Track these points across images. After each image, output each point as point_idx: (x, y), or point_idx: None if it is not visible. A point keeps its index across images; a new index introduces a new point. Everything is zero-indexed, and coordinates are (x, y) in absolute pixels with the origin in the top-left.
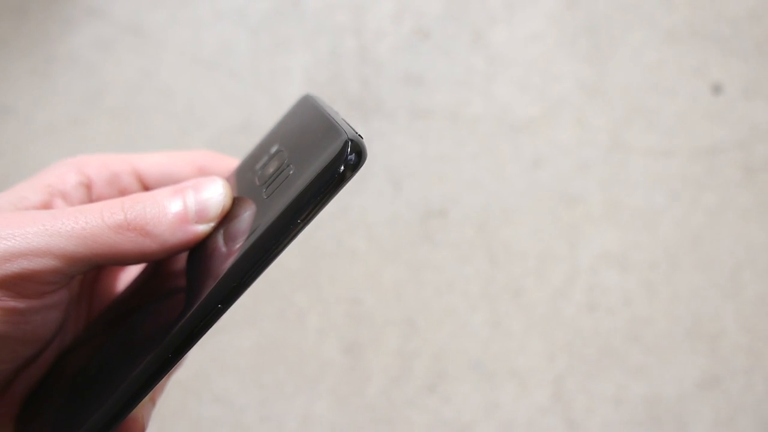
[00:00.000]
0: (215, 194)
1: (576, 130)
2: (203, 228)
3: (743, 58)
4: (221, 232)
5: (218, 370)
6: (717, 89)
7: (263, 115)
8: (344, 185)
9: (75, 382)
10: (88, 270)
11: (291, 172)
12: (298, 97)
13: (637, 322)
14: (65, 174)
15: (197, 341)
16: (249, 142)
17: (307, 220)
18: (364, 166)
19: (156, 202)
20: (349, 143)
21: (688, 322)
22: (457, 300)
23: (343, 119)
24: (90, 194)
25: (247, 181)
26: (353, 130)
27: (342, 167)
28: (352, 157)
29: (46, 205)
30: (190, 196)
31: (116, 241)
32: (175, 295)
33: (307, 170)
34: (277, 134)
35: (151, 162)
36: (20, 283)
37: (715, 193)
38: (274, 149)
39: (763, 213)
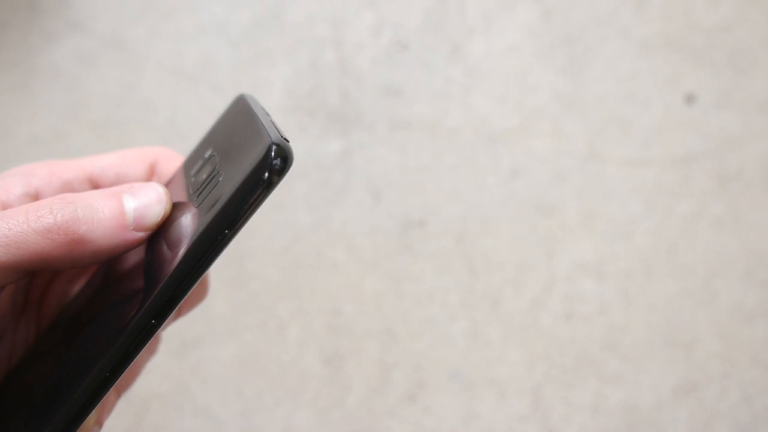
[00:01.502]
0: (155, 201)
1: (553, 141)
2: (141, 235)
3: (716, 68)
4: (159, 235)
5: (199, 382)
6: (690, 99)
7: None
8: (272, 190)
9: (22, 401)
10: (19, 278)
11: (220, 179)
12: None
13: (613, 331)
14: (10, 185)
15: (133, 358)
16: None
17: (236, 230)
18: (346, 177)
19: (90, 205)
20: (273, 147)
21: (664, 329)
22: (437, 310)
23: (271, 122)
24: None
25: (184, 187)
26: (279, 133)
27: (267, 173)
28: (278, 162)
29: None
30: (128, 200)
31: (44, 247)
32: (115, 305)
33: (234, 178)
34: (212, 137)
35: (103, 164)
36: None
37: (689, 203)
38: (207, 153)
39: (736, 221)
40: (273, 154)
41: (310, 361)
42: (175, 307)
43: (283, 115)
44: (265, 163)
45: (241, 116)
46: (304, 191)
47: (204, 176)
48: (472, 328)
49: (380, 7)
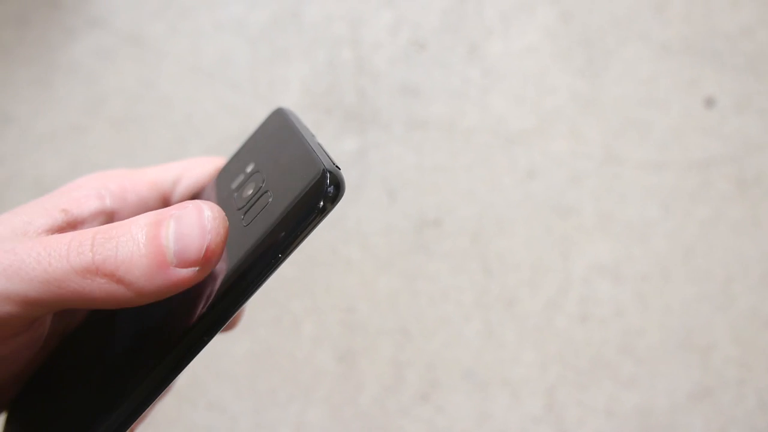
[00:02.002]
0: (198, 232)
1: (570, 142)
2: (186, 273)
3: (736, 72)
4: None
5: (213, 377)
6: (710, 103)
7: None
8: (325, 217)
9: (70, 383)
10: (57, 310)
11: (270, 199)
12: (271, 109)
13: (629, 334)
14: (85, 199)
15: (177, 376)
16: None
17: (287, 255)
18: (362, 175)
19: (131, 239)
20: (328, 175)
21: (680, 333)
22: (451, 310)
23: (318, 144)
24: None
25: (226, 201)
26: (330, 159)
27: (321, 202)
28: (331, 189)
29: (54, 233)
30: (170, 228)
31: (84, 288)
32: (163, 317)
33: (286, 201)
34: (253, 150)
35: (172, 177)
36: None
37: (707, 206)
38: (250, 168)
39: (755, 226)
40: (328, 181)
41: (323, 358)
42: (223, 326)
43: (300, 112)
44: (319, 190)
45: (284, 133)
46: None
47: (249, 192)
48: (486, 328)
49: (398, 7)
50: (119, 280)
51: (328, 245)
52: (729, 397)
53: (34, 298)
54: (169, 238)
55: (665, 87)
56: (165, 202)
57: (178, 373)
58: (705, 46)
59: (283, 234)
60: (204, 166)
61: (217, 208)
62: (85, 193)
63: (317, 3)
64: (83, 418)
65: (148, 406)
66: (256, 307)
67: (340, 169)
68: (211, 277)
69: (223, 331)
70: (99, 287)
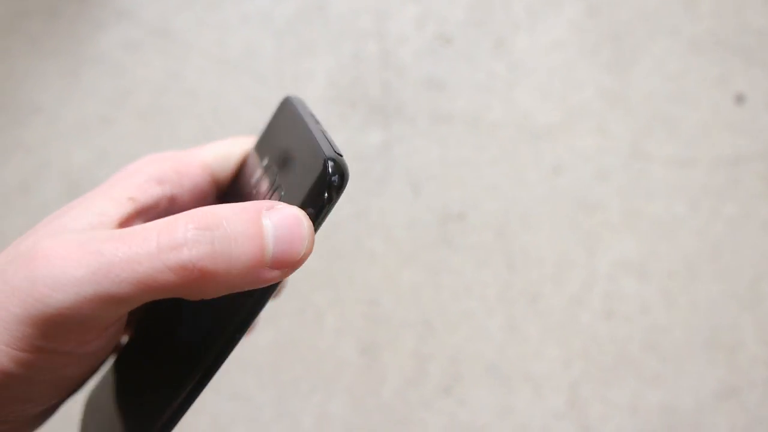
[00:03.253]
0: (297, 236)
1: (596, 138)
2: (275, 274)
3: (766, 69)
4: None
5: (237, 367)
6: (740, 100)
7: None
8: (333, 206)
9: (127, 393)
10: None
11: (282, 193)
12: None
13: (654, 331)
14: (147, 186)
15: (217, 370)
16: None
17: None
18: (386, 169)
19: (228, 236)
20: (330, 164)
21: (706, 332)
22: (474, 304)
23: (322, 132)
24: (173, 208)
25: (253, 197)
26: (332, 147)
27: (326, 192)
28: (336, 179)
29: (126, 223)
30: (269, 230)
31: (173, 284)
32: (203, 313)
33: (295, 196)
34: (266, 144)
35: (220, 157)
36: (74, 335)
37: (735, 204)
38: (265, 162)
39: None
40: (330, 171)
41: (346, 350)
42: (252, 321)
43: (324, 105)
44: (324, 181)
45: (291, 123)
46: None
47: (264, 188)
48: (509, 322)
49: (424, 0)
50: (213, 277)
51: (352, 238)
52: (755, 396)
53: (123, 298)
54: (269, 239)
55: (694, 83)
56: (215, 183)
57: (216, 370)
58: (735, 42)
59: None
60: (241, 146)
61: (307, 217)
62: (146, 179)
63: None
64: (152, 403)
65: (212, 375)
66: (279, 299)
67: (342, 156)
68: None
69: (274, 296)
70: (189, 282)
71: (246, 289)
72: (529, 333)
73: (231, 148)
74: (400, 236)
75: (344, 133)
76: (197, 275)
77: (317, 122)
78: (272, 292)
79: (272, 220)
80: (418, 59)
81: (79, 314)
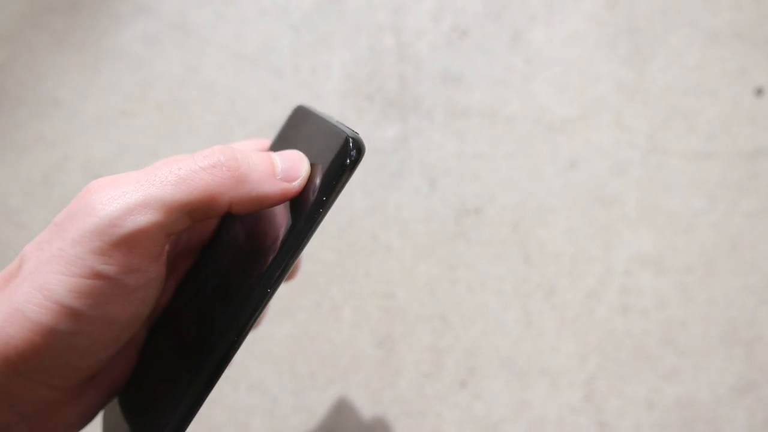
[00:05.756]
0: (297, 158)
1: (614, 132)
2: (288, 186)
3: None
4: (263, 220)
5: (254, 359)
6: (760, 92)
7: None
8: (352, 174)
9: (160, 367)
10: (184, 227)
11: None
12: (293, 108)
13: (671, 325)
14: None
15: (254, 321)
16: None
17: (327, 209)
18: (402, 162)
19: (246, 154)
20: (351, 140)
21: (724, 326)
22: (490, 298)
23: (339, 121)
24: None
25: None
26: (351, 129)
27: (348, 160)
28: (354, 152)
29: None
30: (276, 158)
31: (210, 183)
32: (237, 274)
33: (319, 168)
34: (285, 138)
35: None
36: (129, 249)
37: (754, 198)
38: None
39: None
40: (351, 145)
41: (362, 343)
42: (285, 277)
43: (341, 99)
44: (346, 152)
45: (309, 120)
46: (361, 175)
47: None
48: (525, 317)
49: None
50: (240, 177)
51: (368, 231)
52: None
53: (169, 200)
54: (276, 159)
55: (713, 75)
56: None
57: (253, 321)
58: (755, 34)
59: (320, 195)
60: (252, 148)
61: (303, 154)
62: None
63: None
64: (165, 403)
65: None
66: (296, 292)
67: (359, 133)
68: (269, 238)
69: (286, 280)
70: (222, 183)
71: (268, 201)
72: (545, 327)
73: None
74: (416, 230)
75: (361, 127)
76: (227, 174)
77: (332, 117)
78: (307, 239)
79: (277, 154)
80: (435, 52)
81: (132, 222)
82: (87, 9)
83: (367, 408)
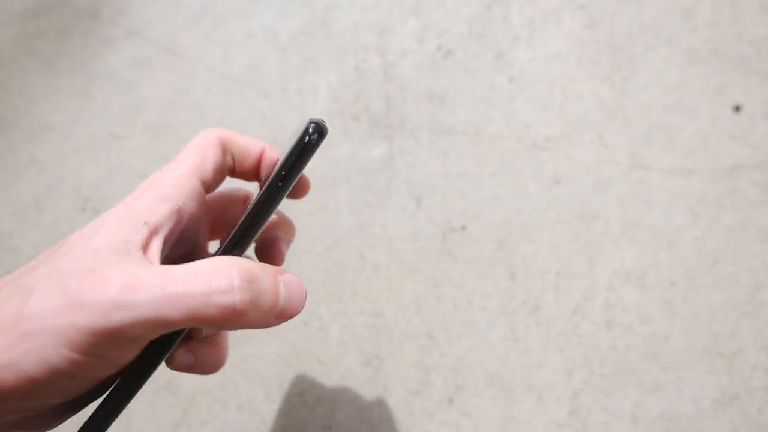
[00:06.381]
0: (297, 300)
1: (597, 149)
2: (277, 322)
3: (764, 78)
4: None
5: (243, 379)
6: (738, 110)
7: (290, 130)
8: (313, 151)
9: None
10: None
11: (280, 163)
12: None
13: (655, 340)
14: (156, 207)
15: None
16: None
17: (287, 184)
18: (388, 181)
19: (262, 291)
20: (312, 123)
21: (707, 340)
22: (477, 315)
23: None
24: (182, 218)
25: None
26: (321, 119)
27: (306, 138)
28: (315, 134)
29: (146, 245)
30: (282, 293)
31: (214, 317)
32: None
33: (289, 146)
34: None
35: (192, 165)
36: (127, 346)
37: (735, 213)
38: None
39: None
40: (311, 128)
41: (350, 362)
42: (249, 240)
43: (328, 119)
44: (306, 132)
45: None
46: (347, 195)
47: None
48: (511, 333)
49: (425, 14)
50: (244, 316)
51: (355, 250)
52: (755, 404)
53: (171, 323)
54: (281, 298)
55: (692, 93)
56: (203, 183)
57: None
58: (733, 52)
59: (284, 166)
60: (210, 148)
61: (303, 285)
62: (153, 200)
63: (345, 11)
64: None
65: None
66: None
67: (324, 120)
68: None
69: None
70: (225, 318)
71: (256, 328)
72: (531, 343)
73: (203, 153)
74: (402, 248)
75: (347, 146)
76: (235, 315)
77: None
78: (266, 216)
79: (284, 282)
80: (420, 72)
81: (134, 332)
82: (78, 33)
83: (355, 427)
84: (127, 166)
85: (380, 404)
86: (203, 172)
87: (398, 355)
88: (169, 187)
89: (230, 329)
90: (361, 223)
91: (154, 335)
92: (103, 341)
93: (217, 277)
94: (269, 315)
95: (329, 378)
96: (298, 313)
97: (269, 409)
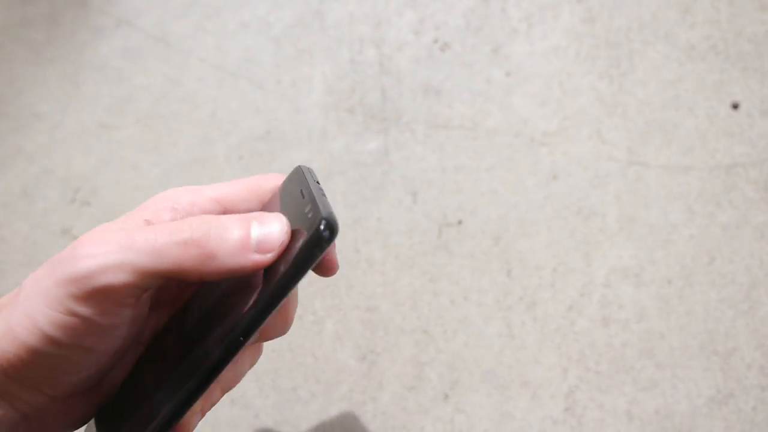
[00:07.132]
0: (277, 229)
1: (594, 144)
2: (261, 258)
3: (762, 75)
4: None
5: None
6: (736, 107)
7: (284, 123)
8: (322, 255)
9: (142, 388)
10: (157, 286)
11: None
12: (294, 167)
13: (651, 337)
14: (161, 211)
15: (223, 368)
16: (270, 150)
17: (295, 283)
18: (384, 175)
19: (221, 226)
20: (323, 222)
21: (703, 338)
22: (472, 310)
23: (323, 194)
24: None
25: None
26: (328, 208)
27: (317, 244)
28: (327, 233)
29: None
30: (254, 226)
31: (180, 258)
32: (215, 319)
33: (295, 242)
34: (281, 201)
35: (231, 196)
36: (101, 299)
37: (732, 210)
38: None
39: None
40: (323, 227)
41: (345, 357)
42: (253, 332)
43: (323, 111)
44: (318, 234)
45: (300, 185)
46: (342, 188)
47: None
48: (507, 329)
49: (422, 6)
50: (210, 253)
51: (350, 244)
52: (750, 402)
53: (143, 267)
54: (255, 231)
55: (690, 89)
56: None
57: (222, 369)
58: (731, 49)
59: (287, 276)
60: (261, 186)
61: (284, 218)
62: (162, 207)
63: (340, 2)
64: (153, 404)
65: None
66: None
67: (334, 214)
68: (250, 286)
69: (262, 338)
70: (192, 258)
71: (238, 273)
72: (527, 340)
73: (241, 191)
74: (398, 243)
75: (342, 139)
76: (196, 251)
77: (321, 189)
78: (272, 310)
79: (260, 220)
80: (416, 65)
81: (105, 279)
82: (67, 22)
83: (349, 422)
84: (118, 157)
85: (375, 400)
86: (233, 204)
87: (393, 350)
88: (187, 201)
89: (210, 275)
90: (356, 217)
91: (133, 284)
92: (75, 292)
93: (177, 224)
94: (244, 249)
95: (323, 373)
96: (282, 243)
97: (262, 403)
